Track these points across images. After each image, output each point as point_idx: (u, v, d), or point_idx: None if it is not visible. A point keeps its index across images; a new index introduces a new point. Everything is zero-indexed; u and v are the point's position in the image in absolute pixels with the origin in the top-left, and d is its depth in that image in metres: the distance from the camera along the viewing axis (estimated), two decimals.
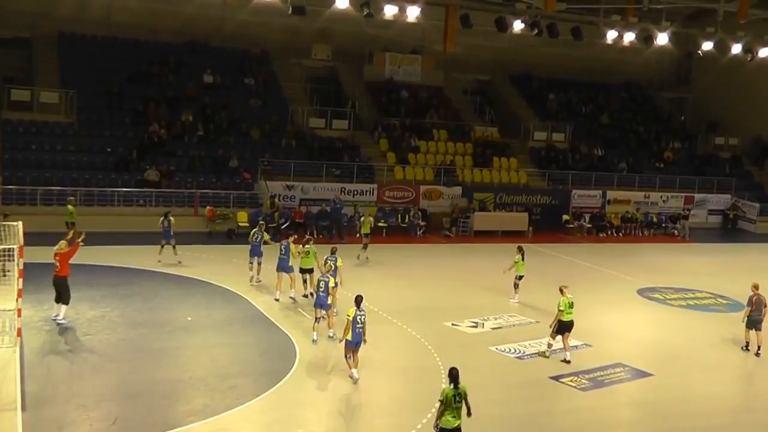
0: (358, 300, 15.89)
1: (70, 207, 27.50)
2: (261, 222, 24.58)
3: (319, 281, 18.14)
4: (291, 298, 21.43)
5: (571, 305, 17.79)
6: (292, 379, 15.76)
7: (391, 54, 42.29)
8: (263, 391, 14.94)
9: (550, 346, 18.14)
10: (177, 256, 24.70)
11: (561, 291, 17.98)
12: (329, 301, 17.94)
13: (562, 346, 17.96)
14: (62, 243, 18.54)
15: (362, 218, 29.49)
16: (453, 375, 11.86)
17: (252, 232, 23.32)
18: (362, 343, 15.70)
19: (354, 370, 15.62)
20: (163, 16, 38.07)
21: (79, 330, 17.87)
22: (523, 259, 22.91)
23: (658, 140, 46.14)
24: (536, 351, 18.55)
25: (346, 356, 15.67)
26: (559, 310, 17.76)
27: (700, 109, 50.50)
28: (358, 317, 15.53)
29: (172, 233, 24.65)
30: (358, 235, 29.14)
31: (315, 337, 17.91)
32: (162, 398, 14.57)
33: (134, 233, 28.78)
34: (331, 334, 18.24)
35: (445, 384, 11.86)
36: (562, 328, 17.84)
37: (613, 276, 28.25)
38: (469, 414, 11.94)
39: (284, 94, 39.36)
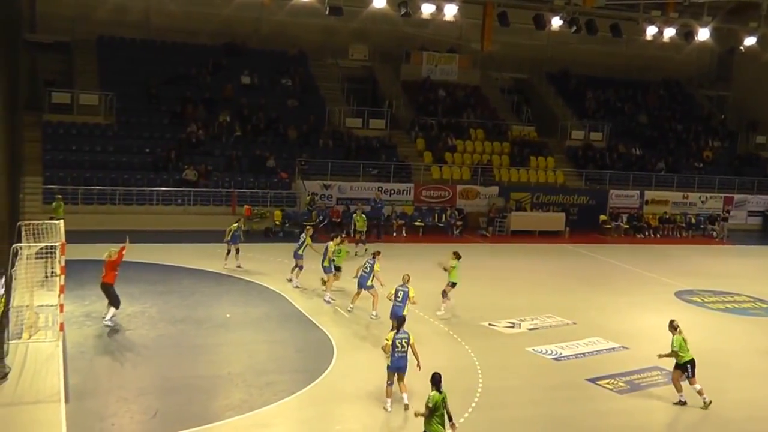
0: (400, 321, 14.72)
1: (61, 203, 27.48)
2: (308, 227, 24.30)
3: (397, 290, 17.53)
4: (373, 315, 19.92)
5: (685, 342, 15.54)
6: (330, 375, 15.83)
7: (428, 53, 42.30)
8: (301, 388, 15.02)
9: (701, 393, 15.42)
10: (238, 261, 24.75)
11: (673, 327, 15.61)
12: (404, 312, 16.58)
13: (694, 387, 15.51)
14: (111, 251, 18.04)
15: (354, 216, 29.80)
16: (436, 380, 11.61)
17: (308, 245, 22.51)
18: (406, 368, 14.06)
19: (404, 395, 14.09)
20: (201, 18, 38.45)
21: (119, 325, 18.14)
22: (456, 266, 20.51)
23: (698, 139, 45.42)
24: (573, 353, 18.39)
25: (387, 382, 14.17)
26: (673, 351, 15.41)
27: (740, 107, 49.56)
28: (398, 341, 14.04)
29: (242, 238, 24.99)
30: (354, 234, 29.21)
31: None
32: (201, 393, 14.74)
33: (172, 231, 29.41)
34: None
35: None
36: (681, 366, 15.59)
37: (651, 278, 27.89)
38: (450, 420, 11.67)
39: (321, 94, 39.56)
